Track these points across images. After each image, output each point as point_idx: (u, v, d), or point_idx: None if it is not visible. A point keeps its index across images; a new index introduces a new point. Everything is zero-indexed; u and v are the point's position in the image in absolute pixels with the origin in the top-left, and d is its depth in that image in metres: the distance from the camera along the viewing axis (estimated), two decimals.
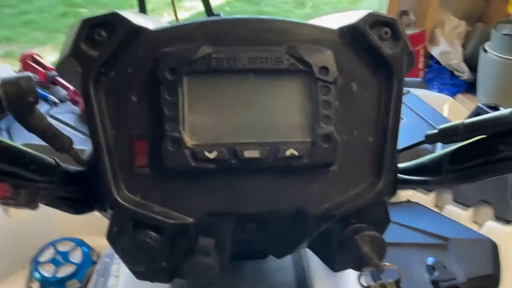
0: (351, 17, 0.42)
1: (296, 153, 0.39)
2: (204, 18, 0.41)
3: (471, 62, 2.63)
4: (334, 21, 0.43)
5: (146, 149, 0.39)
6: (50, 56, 3.61)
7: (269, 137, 0.39)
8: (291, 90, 0.40)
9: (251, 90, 0.39)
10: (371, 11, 0.41)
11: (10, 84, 0.34)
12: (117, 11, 0.38)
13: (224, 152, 0.38)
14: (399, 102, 0.42)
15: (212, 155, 0.38)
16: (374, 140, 0.42)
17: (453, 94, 2.66)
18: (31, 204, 0.37)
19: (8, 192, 0.35)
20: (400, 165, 0.48)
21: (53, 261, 0.81)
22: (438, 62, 2.71)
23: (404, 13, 2.63)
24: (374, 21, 0.41)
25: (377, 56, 0.41)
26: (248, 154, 0.38)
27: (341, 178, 0.41)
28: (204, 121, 0.39)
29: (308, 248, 0.48)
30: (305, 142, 0.39)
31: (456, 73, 2.70)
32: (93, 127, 0.38)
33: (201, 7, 2.02)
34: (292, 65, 0.39)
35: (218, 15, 2.06)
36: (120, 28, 0.38)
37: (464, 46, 2.71)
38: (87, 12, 4.46)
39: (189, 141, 0.38)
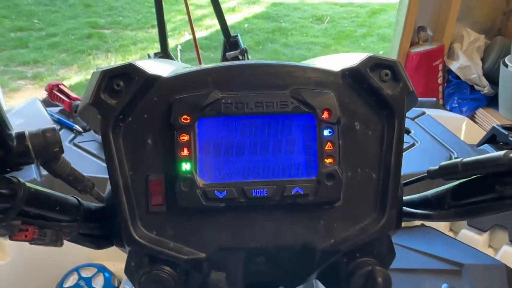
0: (352, 59, 0.44)
1: (301, 191, 0.41)
2: (214, 64, 0.44)
3: (492, 76, 2.60)
4: (337, 62, 0.45)
5: (161, 188, 0.41)
6: (75, 77, 3.73)
7: (275, 176, 0.42)
8: (296, 131, 0.42)
9: (258, 132, 0.42)
10: (371, 54, 0.43)
11: (37, 136, 0.37)
12: (133, 63, 0.41)
13: (233, 191, 0.41)
14: (401, 139, 0.43)
15: (222, 195, 0.40)
16: (377, 176, 0.43)
17: (474, 109, 2.63)
18: (57, 242, 0.40)
19: (35, 234, 0.38)
20: (405, 198, 0.49)
21: (77, 286, 0.84)
22: (457, 77, 2.68)
23: (421, 28, 2.63)
24: (374, 64, 0.42)
25: (378, 97, 0.43)
26: (255, 192, 0.41)
27: (346, 213, 0.43)
28: (214, 163, 0.41)
29: (318, 279, 0.50)
30: (310, 180, 0.41)
31: (476, 87, 2.67)
32: (112, 168, 0.41)
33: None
34: (297, 108, 0.41)
35: (236, 36, 2.10)
36: (136, 78, 0.41)
37: (483, 60, 2.68)
38: (110, 34, 4.60)
39: (200, 181, 0.41)
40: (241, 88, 0.42)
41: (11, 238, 0.38)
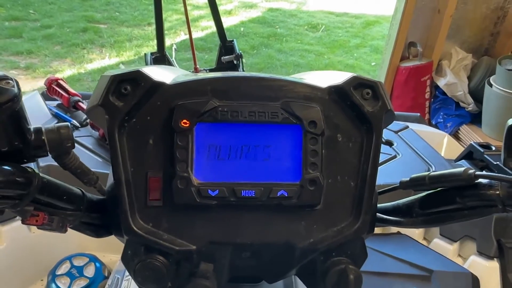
0: (338, 77, 0.48)
1: (286, 194, 0.45)
2: (213, 74, 0.48)
3: (477, 94, 2.67)
4: (324, 79, 0.50)
5: (159, 185, 0.45)
6: (68, 71, 3.73)
7: (263, 179, 0.46)
8: (284, 140, 0.46)
9: (250, 138, 0.46)
10: (355, 74, 0.48)
11: (52, 132, 0.41)
12: (140, 69, 0.45)
13: (224, 190, 0.44)
14: (377, 152, 0.48)
15: (214, 193, 0.44)
16: (355, 184, 0.48)
17: (458, 125, 2.70)
18: (62, 228, 0.44)
19: (45, 220, 0.42)
20: (380, 205, 0.54)
21: (69, 274, 0.87)
22: (443, 93, 2.75)
23: (412, 44, 2.70)
24: (357, 83, 0.47)
25: (359, 113, 0.47)
26: (244, 193, 0.45)
27: (325, 216, 0.47)
28: (208, 164, 0.45)
29: (296, 275, 0.54)
30: (294, 184, 0.45)
31: (461, 104, 2.74)
32: (115, 164, 0.45)
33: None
34: (286, 119, 0.45)
35: (232, 41, 2.14)
36: (142, 83, 0.44)
37: (470, 78, 2.76)
38: (106, 29, 4.61)
39: (195, 180, 0.44)
40: (237, 98, 0.46)
41: (23, 222, 0.41)
